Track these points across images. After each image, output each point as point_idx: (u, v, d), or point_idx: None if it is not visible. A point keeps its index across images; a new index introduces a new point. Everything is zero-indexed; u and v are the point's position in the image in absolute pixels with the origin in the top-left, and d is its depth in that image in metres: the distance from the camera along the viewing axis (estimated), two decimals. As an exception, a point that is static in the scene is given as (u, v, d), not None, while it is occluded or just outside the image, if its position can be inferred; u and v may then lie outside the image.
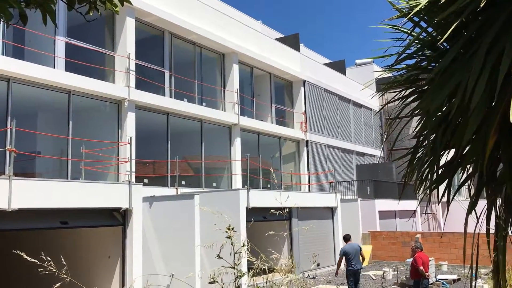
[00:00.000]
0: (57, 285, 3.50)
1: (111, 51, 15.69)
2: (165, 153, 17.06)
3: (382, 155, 32.24)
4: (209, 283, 3.08)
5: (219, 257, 2.96)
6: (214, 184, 19.34)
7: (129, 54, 15.44)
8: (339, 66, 30.22)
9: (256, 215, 14.28)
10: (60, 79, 13.44)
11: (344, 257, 12.17)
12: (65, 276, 3.47)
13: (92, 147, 13.57)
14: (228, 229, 3.00)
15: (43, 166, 14.74)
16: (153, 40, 17.83)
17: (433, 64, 3.16)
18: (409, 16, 3.08)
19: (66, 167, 13.90)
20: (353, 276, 12.07)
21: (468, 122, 2.30)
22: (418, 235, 18.19)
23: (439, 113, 2.91)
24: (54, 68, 13.75)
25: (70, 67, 14.11)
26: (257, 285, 3.17)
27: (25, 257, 3.54)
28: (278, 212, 4.17)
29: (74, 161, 13.65)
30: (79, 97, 14.30)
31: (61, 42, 14.11)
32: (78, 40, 14.66)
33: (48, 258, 3.47)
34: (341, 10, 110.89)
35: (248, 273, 3.50)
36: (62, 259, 3.71)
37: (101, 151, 14.08)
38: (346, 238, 12.70)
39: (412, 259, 11.44)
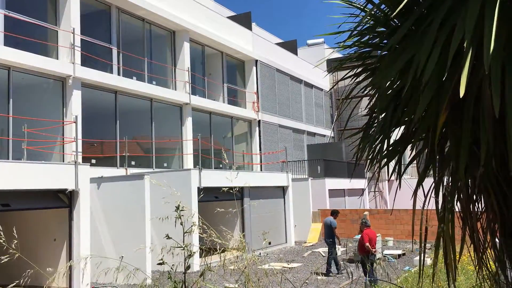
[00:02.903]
0: (4, 258, 3.25)
1: (54, 26, 14.92)
2: (114, 132, 16.57)
3: (332, 135, 32.86)
4: (158, 264, 2.99)
5: (168, 237, 2.87)
6: (165, 165, 19.05)
7: (73, 29, 14.74)
8: (291, 46, 30.27)
9: (208, 195, 14.22)
10: (-1, 54, 12.66)
11: None
12: (14, 251, 3.25)
13: (35, 126, 12.95)
14: (178, 207, 2.90)
15: (-19, 146, 13.95)
16: (99, 15, 17.10)
17: (385, 41, 3.15)
18: (362, -9, 3.04)
19: (7, 147, 13.21)
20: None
21: (419, 98, 2.31)
22: (366, 212, 18.76)
23: (391, 90, 2.91)
24: (-8, 42, 12.93)
25: (9, 42, 13.31)
26: (208, 265, 3.11)
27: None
28: (231, 190, 4.10)
29: (15, 141, 12.99)
30: (20, 74, 13.55)
31: (-1, 15, 13.25)
32: (18, 13, 13.82)
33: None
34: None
35: (200, 252, 3.43)
36: (15, 232, 3.46)
37: (44, 130, 13.47)
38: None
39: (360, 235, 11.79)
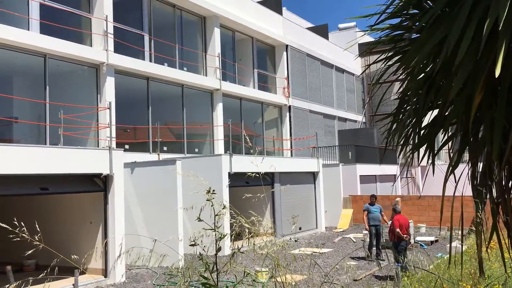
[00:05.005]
0: (30, 251, 3.41)
1: (88, 13, 15.19)
2: (146, 118, 16.85)
3: (364, 120, 32.43)
4: (190, 245, 3.06)
5: (199, 219, 2.93)
6: (196, 150, 19.27)
7: (106, 16, 14.97)
8: (321, 31, 29.88)
9: (239, 180, 14.35)
10: (35, 42, 13.00)
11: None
12: (38, 243, 3.36)
13: (70, 112, 13.29)
14: (208, 191, 2.96)
15: (20, 132, 14.44)
16: (131, 2, 17.30)
17: (417, 24, 3.09)
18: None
19: (44, 132, 13.64)
20: None
21: (453, 79, 2.27)
22: (398, 199, 18.52)
23: (423, 74, 2.87)
24: (29, 30, 13.28)
25: (45, 30, 13.64)
26: (238, 248, 3.17)
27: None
28: (258, 175, 4.12)
29: (52, 127, 13.38)
30: (56, 61, 13.90)
31: (35, 3, 13.58)
32: (53, 1, 14.12)
33: (22, 223, 3.35)
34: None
35: (230, 236, 3.50)
36: (37, 226, 3.59)
37: (80, 116, 13.82)
38: None
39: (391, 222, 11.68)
